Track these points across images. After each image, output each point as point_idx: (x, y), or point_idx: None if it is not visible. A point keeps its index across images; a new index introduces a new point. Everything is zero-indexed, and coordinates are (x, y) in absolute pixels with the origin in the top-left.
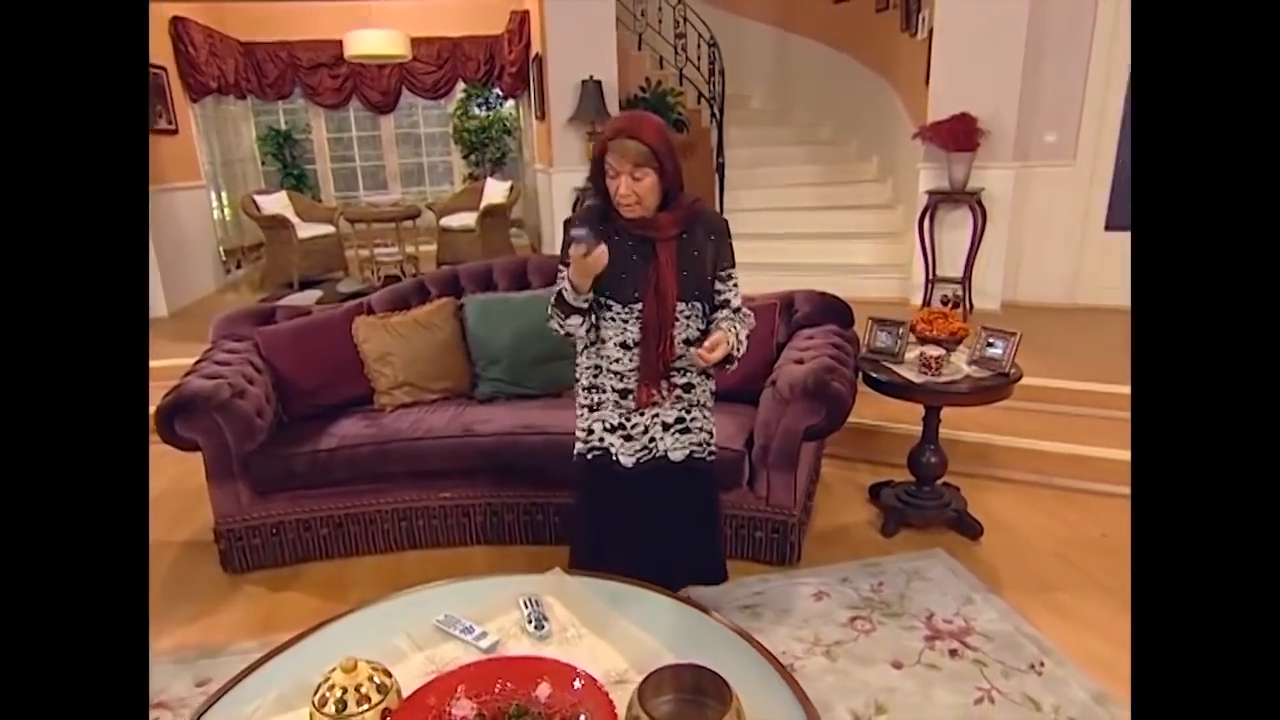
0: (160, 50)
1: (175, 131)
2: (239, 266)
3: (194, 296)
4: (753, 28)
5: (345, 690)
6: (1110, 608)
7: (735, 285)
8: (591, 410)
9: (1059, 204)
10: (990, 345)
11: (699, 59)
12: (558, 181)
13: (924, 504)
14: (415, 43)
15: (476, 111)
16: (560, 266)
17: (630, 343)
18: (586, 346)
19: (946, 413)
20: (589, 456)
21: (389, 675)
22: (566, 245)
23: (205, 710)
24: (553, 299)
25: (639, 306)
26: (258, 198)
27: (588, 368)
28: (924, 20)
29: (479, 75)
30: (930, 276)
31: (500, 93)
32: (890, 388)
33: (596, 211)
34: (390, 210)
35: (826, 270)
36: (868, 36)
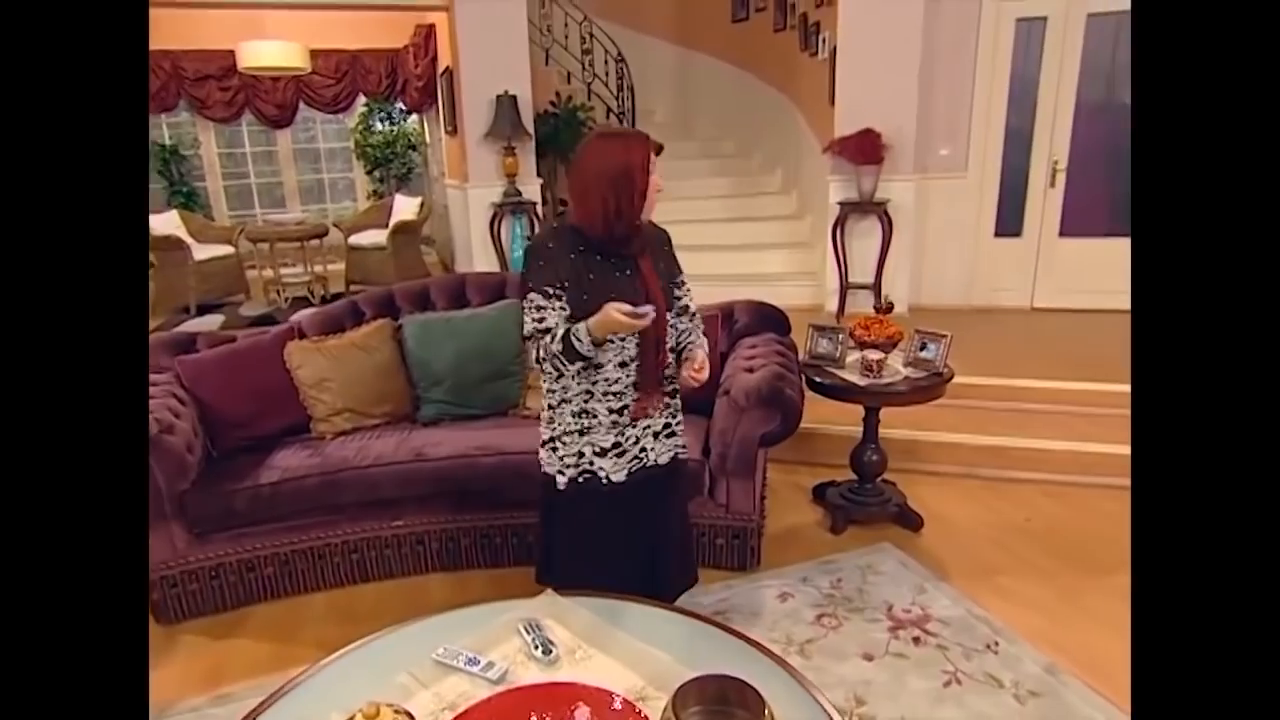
0: None
1: None
2: None
3: None
4: (655, 44)
5: None
6: (1045, 587)
7: (689, 290)
8: (581, 434)
9: (954, 213)
10: (924, 347)
11: (606, 74)
12: (474, 197)
13: (867, 501)
14: (313, 55)
15: (379, 126)
16: (533, 296)
17: (628, 359)
18: (576, 374)
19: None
20: (579, 481)
21: (411, 717)
22: (540, 276)
23: None
24: (556, 346)
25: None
26: None
27: (578, 393)
28: (825, 41)
29: (381, 89)
30: (843, 283)
31: (404, 107)
32: (835, 391)
33: (569, 234)
34: (296, 229)
35: (741, 280)
36: (767, 55)
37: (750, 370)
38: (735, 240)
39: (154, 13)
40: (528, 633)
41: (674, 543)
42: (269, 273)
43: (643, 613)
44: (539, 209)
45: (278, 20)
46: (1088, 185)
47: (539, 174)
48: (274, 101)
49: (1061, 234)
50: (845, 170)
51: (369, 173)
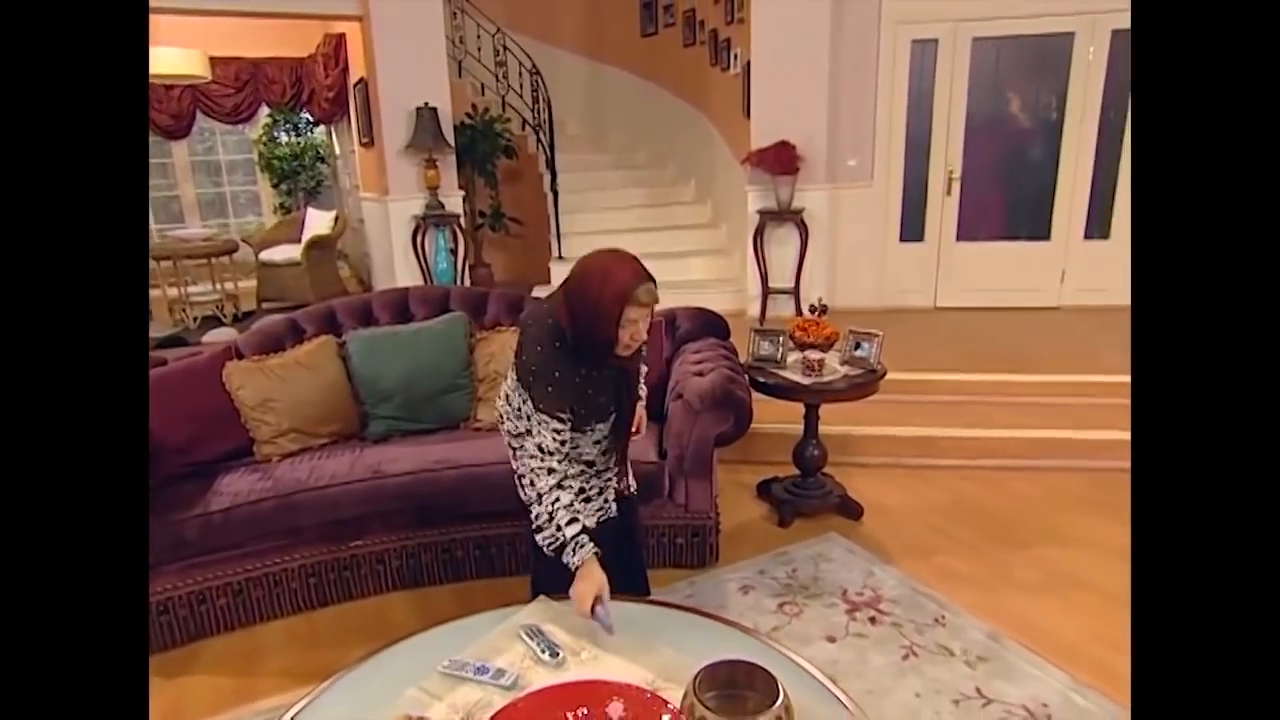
0: None
1: None
2: None
3: None
4: (565, 58)
5: None
6: (976, 562)
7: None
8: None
9: (863, 220)
10: (858, 346)
11: (521, 87)
12: (395, 210)
13: (811, 494)
14: (212, 63)
15: (284, 137)
16: (547, 419)
17: (602, 438)
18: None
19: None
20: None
21: None
22: (552, 402)
23: None
24: (559, 530)
25: (614, 416)
26: None
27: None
28: (736, 57)
29: (286, 99)
30: (765, 288)
31: (311, 118)
32: (779, 390)
33: (567, 345)
34: (203, 245)
35: (666, 288)
36: (677, 69)
37: (700, 374)
38: (655, 249)
39: None
40: (531, 638)
41: (637, 568)
42: (174, 291)
43: (632, 610)
44: (461, 220)
45: (172, 26)
46: (980, 193)
47: (460, 186)
48: (169, 111)
49: (959, 238)
50: (763, 180)
51: (275, 186)
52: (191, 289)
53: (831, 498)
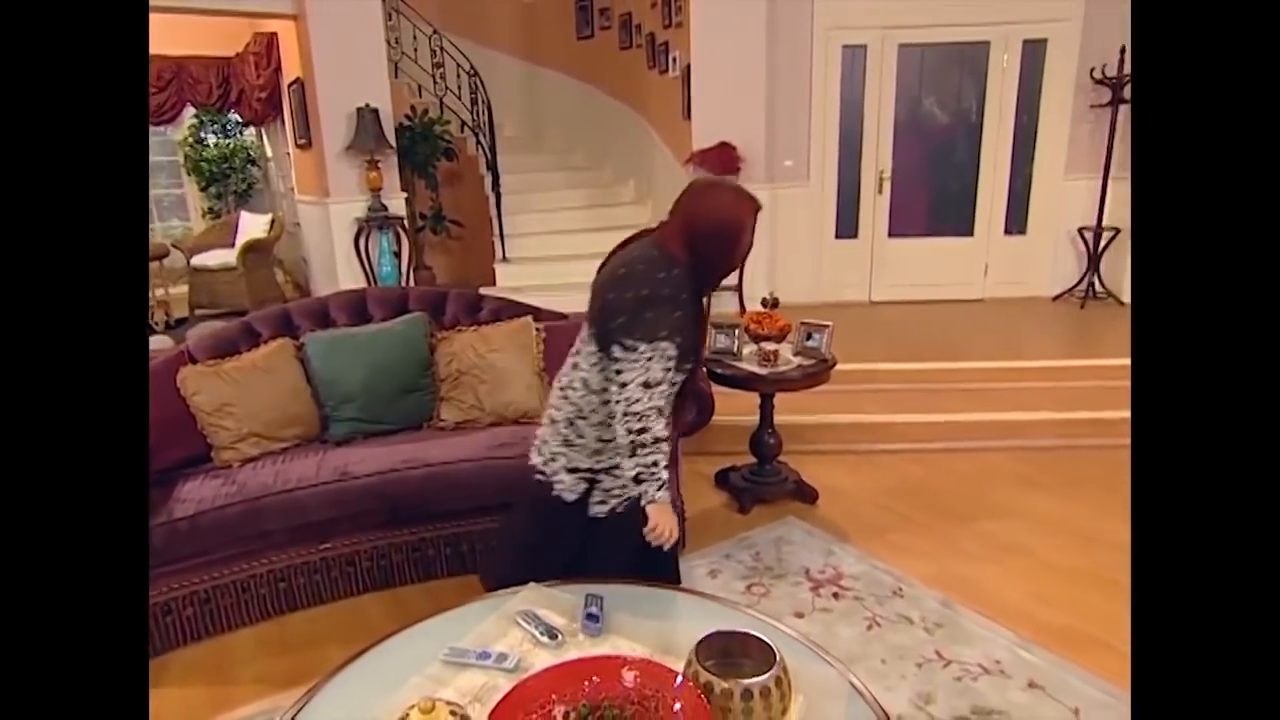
0: None
1: None
2: None
3: None
4: (501, 59)
5: None
6: (925, 537)
7: None
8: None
9: (800, 219)
10: (809, 337)
11: (459, 88)
12: (335, 213)
13: (768, 481)
14: None
15: (212, 139)
16: (665, 347)
17: (673, 394)
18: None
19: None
20: (619, 510)
21: (467, 715)
22: (676, 326)
23: None
24: (660, 459)
25: (691, 365)
26: None
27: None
28: (675, 60)
29: (212, 99)
30: None
31: (240, 118)
32: (737, 381)
33: (687, 278)
34: None
35: None
36: (614, 71)
37: None
38: (598, 249)
39: None
40: (527, 622)
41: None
42: None
43: (619, 592)
44: (404, 223)
45: None
46: (909, 191)
47: (402, 188)
48: None
49: (890, 234)
50: None
51: (204, 189)
52: None
53: (788, 484)
